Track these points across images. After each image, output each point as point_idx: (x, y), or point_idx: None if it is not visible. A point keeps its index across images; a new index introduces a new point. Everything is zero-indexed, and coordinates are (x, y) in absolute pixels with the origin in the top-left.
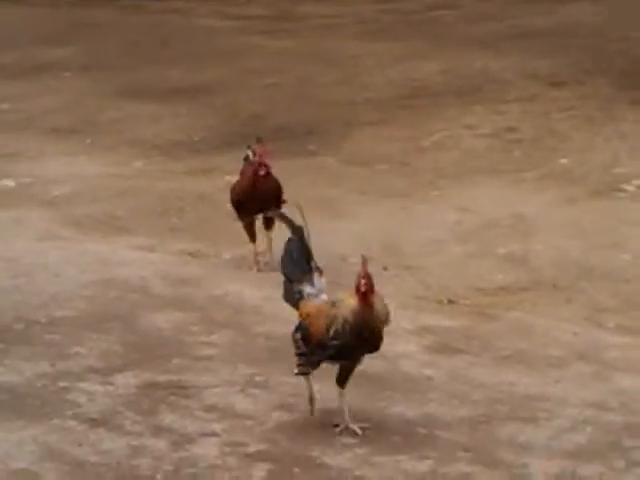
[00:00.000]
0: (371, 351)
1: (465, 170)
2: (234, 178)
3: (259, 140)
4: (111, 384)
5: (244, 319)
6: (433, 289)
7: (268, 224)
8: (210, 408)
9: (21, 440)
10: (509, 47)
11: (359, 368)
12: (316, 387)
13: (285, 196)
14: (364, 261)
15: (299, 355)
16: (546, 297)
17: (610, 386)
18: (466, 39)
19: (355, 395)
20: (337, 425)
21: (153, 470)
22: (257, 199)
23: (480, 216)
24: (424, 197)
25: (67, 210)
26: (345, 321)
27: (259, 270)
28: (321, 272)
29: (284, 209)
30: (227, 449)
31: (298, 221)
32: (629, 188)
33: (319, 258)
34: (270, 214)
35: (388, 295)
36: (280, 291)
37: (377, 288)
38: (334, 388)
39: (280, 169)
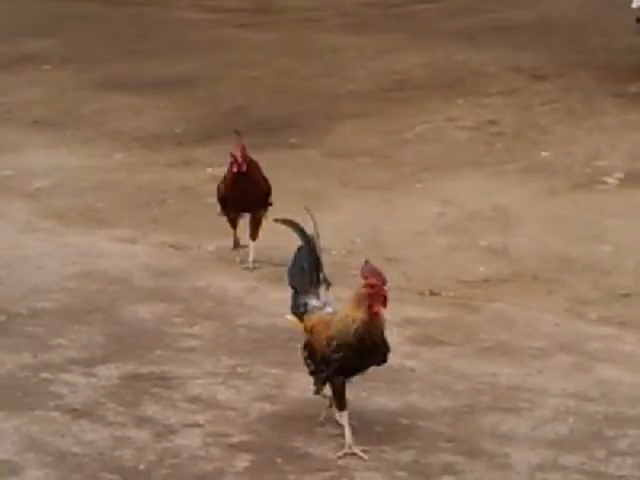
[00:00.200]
0: (378, 363)
1: (447, 163)
2: (216, 170)
3: (237, 133)
4: (93, 375)
5: (226, 310)
6: (415, 281)
7: (253, 232)
8: (193, 399)
9: (3, 431)
10: (491, 40)
11: None
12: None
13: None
14: (378, 273)
15: (311, 374)
16: (528, 289)
17: (591, 377)
18: (448, 32)
19: None
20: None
21: (136, 461)
22: (241, 197)
23: (462, 208)
24: (406, 189)
25: (48, 202)
26: (352, 331)
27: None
28: (329, 284)
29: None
30: (210, 440)
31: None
32: (610, 181)
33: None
34: (280, 221)
35: None
36: (264, 283)
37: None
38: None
39: (262, 162)
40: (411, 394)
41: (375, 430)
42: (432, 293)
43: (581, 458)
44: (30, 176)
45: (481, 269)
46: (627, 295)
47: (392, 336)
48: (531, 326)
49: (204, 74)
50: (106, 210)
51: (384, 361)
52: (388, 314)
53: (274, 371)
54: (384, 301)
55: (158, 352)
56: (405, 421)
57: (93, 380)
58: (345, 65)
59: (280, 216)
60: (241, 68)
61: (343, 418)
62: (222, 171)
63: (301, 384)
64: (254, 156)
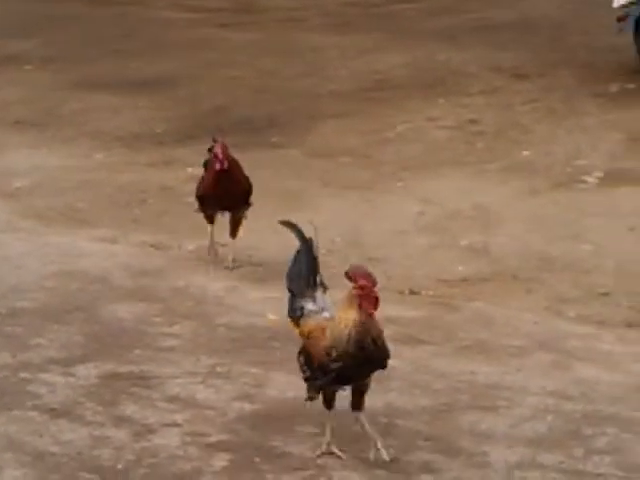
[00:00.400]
0: (376, 369)
1: (428, 162)
2: (196, 170)
3: (219, 130)
4: (72, 375)
5: (206, 310)
6: (395, 280)
7: (233, 230)
8: (172, 399)
9: None
10: (472, 40)
11: None
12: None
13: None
14: (367, 274)
15: (306, 380)
16: (507, 288)
17: (570, 375)
18: (429, 32)
19: None
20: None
21: (114, 460)
22: (223, 196)
23: (443, 208)
24: (387, 189)
25: (28, 202)
26: (348, 337)
27: (216, 254)
28: (326, 288)
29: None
30: (188, 439)
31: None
32: (590, 180)
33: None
34: (280, 222)
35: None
36: (244, 282)
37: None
38: (290, 377)
39: (243, 161)
40: (390, 393)
41: (354, 429)
42: (412, 292)
43: (559, 456)
44: (10, 176)
45: (461, 268)
46: (606, 294)
47: None
48: (510, 325)
49: (185, 74)
50: (86, 210)
51: (383, 367)
52: None
53: (253, 370)
54: (375, 302)
55: (137, 351)
56: (384, 420)
57: (72, 380)
58: (326, 65)
59: (261, 215)
60: (222, 68)
61: (328, 417)
62: (202, 171)
63: (280, 383)
64: (235, 155)
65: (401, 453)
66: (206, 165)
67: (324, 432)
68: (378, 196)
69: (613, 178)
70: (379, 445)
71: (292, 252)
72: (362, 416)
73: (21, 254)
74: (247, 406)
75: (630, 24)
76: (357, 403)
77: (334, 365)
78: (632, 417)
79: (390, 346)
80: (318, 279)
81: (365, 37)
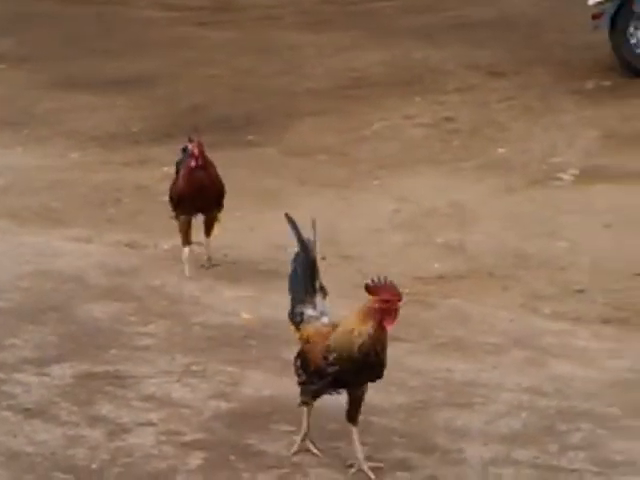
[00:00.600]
0: (374, 379)
1: (404, 160)
2: (172, 169)
3: (195, 129)
4: (47, 375)
5: (181, 309)
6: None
7: (208, 230)
8: (147, 398)
9: None
10: (448, 38)
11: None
12: (256, 377)
13: (226, 187)
14: (393, 287)
15: (300, 384)
16: (483, 285)
17: (545, 372)
18: (406, 30)
19: (293, 384)
20: (351, 465)
21: (89, 460)
22: (198, 198)
23: (419, 205)
24: (364, 187)
25: (3, 202)
26: (359, 347)
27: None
28: (326, 293)
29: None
30: (163, 438)
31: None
32: (566, 177)
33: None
34: (287, 218)
35: (326, 284)
36: (219, 282)
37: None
38: (266, 376)
39: (220, 160)
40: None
41: (329, 427)
42: None
43: (534, 452)
44: None
45: (437, 266)
46: (581, 291)
47: None
48: (486, 322)
49: (163, 72)
50: (61, 209)
51: (379, 377)
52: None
53: (229, 369)
54: (396, 317)
55: (112, 351)
56: (359, 417)
57: (46, 379)
58: (303, 63)
59: (237, 214)
60: (200, 66)
61: (305, 412)
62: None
63: (256, 382)
64: (212, 154)
65: (376, 450)
66: (178, 166)
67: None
68: (354, 194)
69: (589, 175)
70: (364, 467)
71: (269, 248)
72: (355, 432)
73: None
74: (223, 405)
75: (605, 21)
76: (353, 415)
77: (331, 369)
78: (606, 413)
79: None
80: (317, 284)
81: (342, 35)
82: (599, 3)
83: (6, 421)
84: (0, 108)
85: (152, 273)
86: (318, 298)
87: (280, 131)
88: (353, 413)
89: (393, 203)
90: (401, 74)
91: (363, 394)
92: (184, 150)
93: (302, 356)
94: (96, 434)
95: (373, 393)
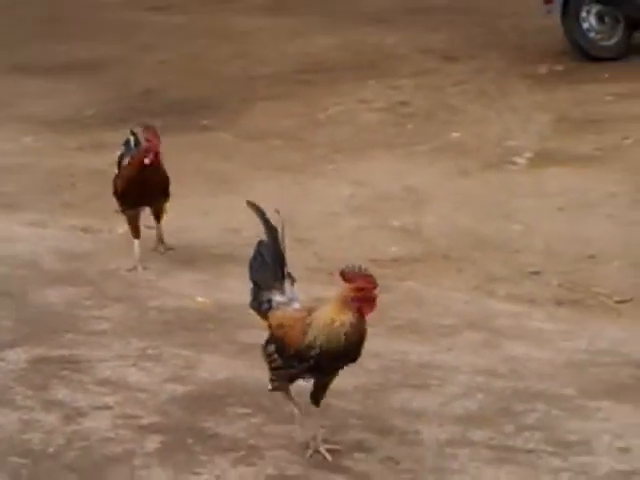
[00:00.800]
0: (349, 363)
1: (359, 144)
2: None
3: (147, 127)
4: (1, 360)
5: (137, 293)
6: (327, 261)
7: (157, 215)
8: (103, 382)
9: None
10: (403, 22)
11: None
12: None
13: (180, 172)
14: (367, 275)
15: (274, 369)
16: (438, 267)
17: (500, 353)
18: (361, 14)
19: (249, 367)
20: (308, 446)
21: (45, 444)
22: (144, 190)
23: (374, 189)
24: (319, 171)
25: None
26: (343, 338)
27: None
28: (293, 280)
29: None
30: (120, 422)
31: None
32: (520, 161)
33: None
34: (248, 205)
35: None
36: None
37: None
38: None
39: (174, 144)
40: None
41: (286, 409)
42: None
43: (490, 433)
44: None
45: (392, 249)
46: (536, 273)
47: None
48: (441, 304)
49: (115, 57)
50: (15, 194)
51: (354, 361)
52: (299, 294)
53: (185, 353)
54: (374, 305)
55: (68, 335)
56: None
57: (1, 364)
58: (257, 48)
59: (191, 198)
60: (153, 51)
61: (287, 396)
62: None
63: (211, 365)
64: (165, 139)
65: (334, 433)
66: (121, 160)
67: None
68: (309, 179)
69: (542, 159)
70: (321, 449)
71: (224, 232)
72: (316, 414)
73: None
74: (179, 388)
75: (557, 6)
76: (317, 398)
77: (312, 352)
78: (561, 394)
79: None
80: (285, 270)
81: (296, 20)
82: None
83: None
84: None
85: (107, 257)
86: (286, 284)
87: (234, 116)
88: (319, 396)
89: (348, 187)
90: (356, 59)
91: (331, 380)
92: (126, 143)
93: (276, 341)
94: (52, 418)
95: None
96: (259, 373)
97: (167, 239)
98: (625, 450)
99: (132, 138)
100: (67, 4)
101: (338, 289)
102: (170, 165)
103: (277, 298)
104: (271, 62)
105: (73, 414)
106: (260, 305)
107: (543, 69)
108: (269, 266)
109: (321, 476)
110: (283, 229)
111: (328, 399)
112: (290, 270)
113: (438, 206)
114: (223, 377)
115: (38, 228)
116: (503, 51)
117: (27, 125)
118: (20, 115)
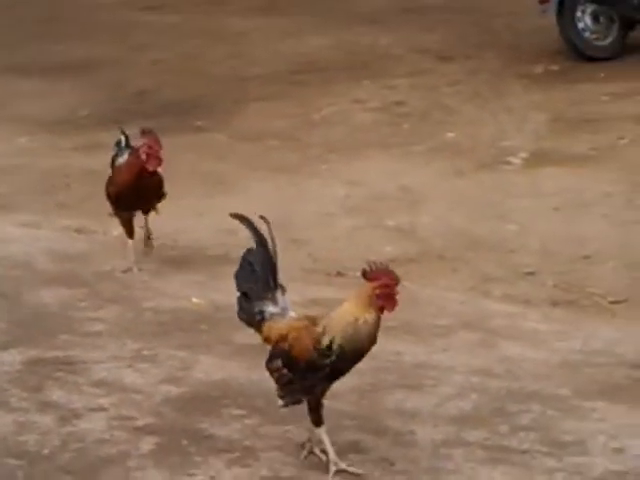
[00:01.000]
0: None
1: (354, 144)
2: None
3: (146, 132)
4: None
5: (132, 294)
6: (322, 262)
7: (147, 212)
8: (98, 383)
9: None
10: (398, 22)
11: (250, 343)
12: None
13: (174, 173)
14: (389, 271)
15: (284, 385)
16: (434, 267)
17: (495, 353)
18: (354, 14)
19: (244, 368)
20: (303, 447)
21: (40, 446)
22: (139, 195)
23: (369, 189)
24: (314, 171)
25: None
26: (369, 336)
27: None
28: (284, 290)
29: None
30: (115, 423)
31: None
32: (515, 161)
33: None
34: (233, 217)
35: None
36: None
37: None
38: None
39: (168, 145)
40: None
41: (280, 410)
42: (338, 274)
43: (484, 433)
44: None
45: (388, 249)
46: (531, 273)
47: None
48: (436, 304)
49: (109, 57)
50: (9, 195)
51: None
52: (294, 295)
53: (180, 354)
54: (396, 300)
55: (63, 337)
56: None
57: None
58: (251, 48)
59: (186, 199)
60: (147, 51)
61: (322, 435)
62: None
63: (207, 366)
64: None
65: (328, 433)
66: (114, 161)
67: (323, 450)
68: (305, 179)
69: (537, 159)
70: (316, 450)
71: (220, 233)
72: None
73: None
74: (174, 389)
75: (553, 6)
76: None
77: (326, 360)
78: (556, 394)
79: None
80: (277, 280)
81: (290, 20)
82: None
83: None
84: None
85: (102, 258)
86: (278, 294)
87: (229, 116)
88: (316, 415)
89: (343, 187)
90: (350, 59)
91: (324, 394)
92: (118, 144)
93: (283, 356)
94: (47, 420)
95: None
96: (254, 374)
97: (163, 240)
98: (620, 450)
99: (123, 138)
100: (66, 4)
101: (356, 289)
102: (165, 166)
103: (270, 309)
104: (265, 62)
105: (68, 416)
106: (251, 316)
107: (538, 69)
108: (259, 276)
109: (315, 477)
110: (273, 238)
111: (323, 400)
112: (283, 273)
113: (433, 206)
114: (218, 378)
115: (32, 229)
116: (498, 51)
117: (21, 125)
118: (14, 115)
